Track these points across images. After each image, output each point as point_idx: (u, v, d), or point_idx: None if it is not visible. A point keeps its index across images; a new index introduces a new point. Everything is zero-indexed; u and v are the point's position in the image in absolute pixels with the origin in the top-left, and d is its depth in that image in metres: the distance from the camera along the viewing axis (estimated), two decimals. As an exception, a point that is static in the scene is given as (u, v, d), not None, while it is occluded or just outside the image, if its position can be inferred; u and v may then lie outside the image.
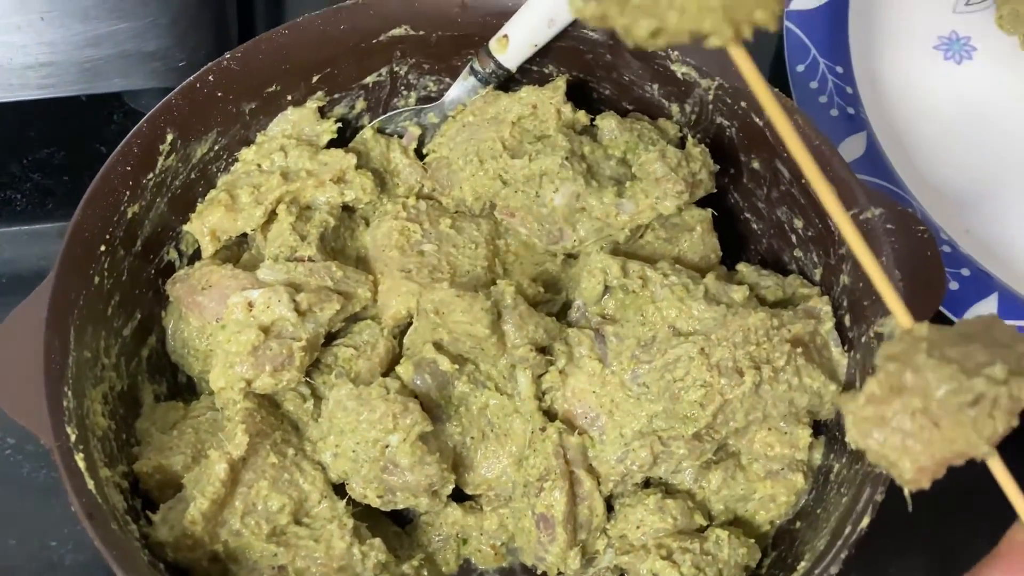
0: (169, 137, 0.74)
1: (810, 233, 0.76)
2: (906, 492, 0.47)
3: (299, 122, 0.79)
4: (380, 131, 0.82)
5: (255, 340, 0.70)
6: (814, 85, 0.91)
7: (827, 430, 0.73)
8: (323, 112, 0.80)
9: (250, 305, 0.71)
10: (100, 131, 0.96)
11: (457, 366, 0.73)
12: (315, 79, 0.79)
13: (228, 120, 0.77)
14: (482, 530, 0.74)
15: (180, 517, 0.67)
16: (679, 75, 0.77)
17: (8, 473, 0.83)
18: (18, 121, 0.96)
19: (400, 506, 0.72)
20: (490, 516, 0.74)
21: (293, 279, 0.73)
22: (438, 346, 0.73)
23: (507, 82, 0.80)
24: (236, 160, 0.79)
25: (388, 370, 0.75)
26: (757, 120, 0.75)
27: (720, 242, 0.79)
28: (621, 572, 0.72)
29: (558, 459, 0.71)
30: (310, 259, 0.74)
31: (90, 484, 0.64)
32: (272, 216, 0.76)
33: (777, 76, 0.94)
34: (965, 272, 0.84)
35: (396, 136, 0.82)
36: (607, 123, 0.78)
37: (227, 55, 0.75)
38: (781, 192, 0.77)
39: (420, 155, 0.82)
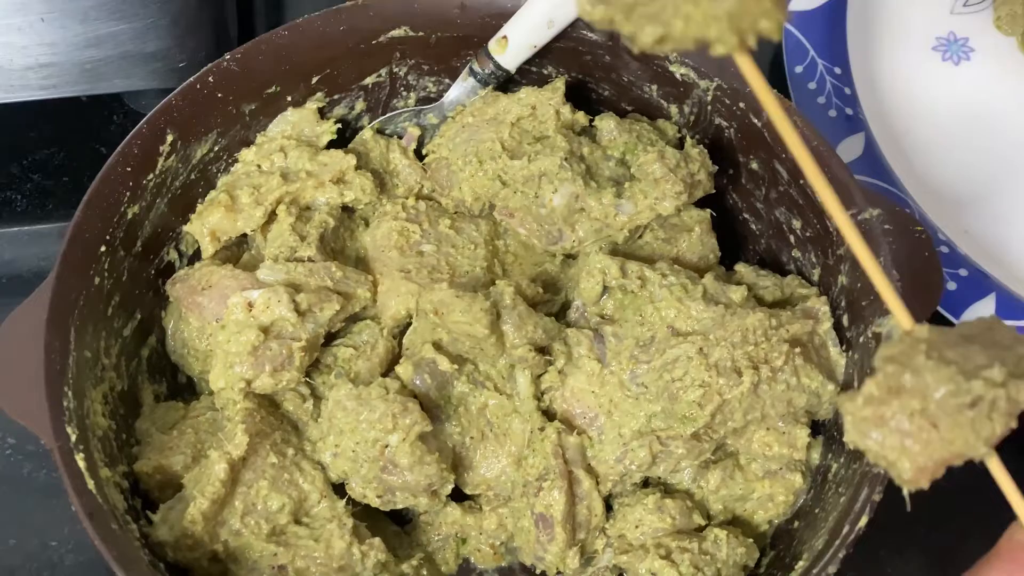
0: (169, 138, 0.74)
1: (808, 233, 0.76)
2: (905, 492, 0.47)
3: (299, 123, 0.80)
4: (380, 132, 0.82)
5: (255, 340, 0.70)
6: (812, 86, 0.92)
7: (825, 430, 0.74)
8: (323, 113, 0.81)
9: (250, 305, 0.71)
10: (100, 132, 0.96)
11: (456, 366, 0.73)
12: (315, 80, 0.79)
13: (228, 121, 0.77)
14: (481, 530, 0.75)
15: (180, 517, 0.67)
16: (678, 76, 0.77)
17: (8, 473, 0.83)
18: (18, 122, 0.96)
19: (399, 506, 0.72)
20: (489, 516, 0.74)
21: (293, 279, 0.73)
22: (437, 346, 0.73)
23: (506, 83, 0.80)
24: (236, 161, 0.79)
25: (388, 370, 0.75)
26: (755, 121, 0.75)
27: (719, 242, 0.79)
28: (620, 572, 0.72)
29: (557, 459, 0.71)
30: (310, 259, 0.75)
31: (90, 484, 0.64)
32: (272, 217, 0.77)
33: (775, 77, 0.94)
34: (963, 272, 0.85)
35: (396, 137, 0.83)
36: (606, 124, 0.78)
37: (227, 56, 0.75)
38: (779, 193, 0.77)
39: (419, 156, 0.82)
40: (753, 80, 0.44)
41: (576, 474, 0.71)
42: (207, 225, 0.76)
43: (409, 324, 0.76)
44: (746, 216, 0.82)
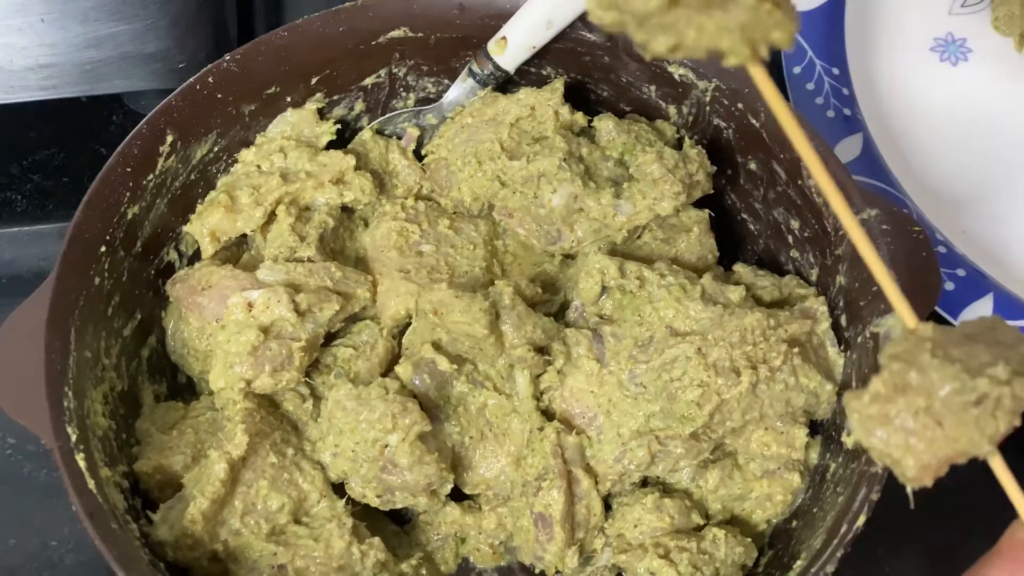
0: (169, 138, 0.74)
1: (807, 234, 0.76)
2: (908, 490, 0.48)
3: (298, 123, 0.80)
4: (379, 132, 0.83)
5: (255, 340, 0.70)
6: (810, 87, 0.92)
7: (823, 430, 0.74)
8: (322, 113, 0.81)
9: (250, 305, 0.71)
10: (100, 132, 0.96)
11: (456, 366, 0.73)
12: (314, 81, 0.79)
13: (228, 121, 0.77)
14: (480, 529, 0.75)
15: (180, 517, 0.67)
16: (676, 77, 0.77)
17: (8, 473, 0.83)
18: (18, 122, 0.96)
19: (399, 505, 0.72)
20: (488, 515, 0.74)
21: (293, 280, 0.73)
22: (437, 346, 0.73)
23: (505, 84, 0.80)
24: (236, 161, 0.79)
25: (387, 370, 0.75)
26: (754, 122, 0.75)
27: (717, 242, 0.79)
28: (619, 571, 0.72)
29: (556, 458, 0.71)
30: (309, 260, 0.75)
31: (91, 484, 0.64)
32: (272, 217, 0.77)
33: (773, 77, 0.94)
34: (960, 272, 0.85)
35: (395, 137, 0.83)
36: (605, 124, 0.78)
37: (227, 57, 0.76)
38: (778, 193, 0.77)
39: (419, 156, 0.82)
40: (765, 89, 0.44)
41: (575, 474, 0.71)
42: (207, 225, 0.76)
43: (408, 324, 0.76)
44: (744, 216, 0.82)
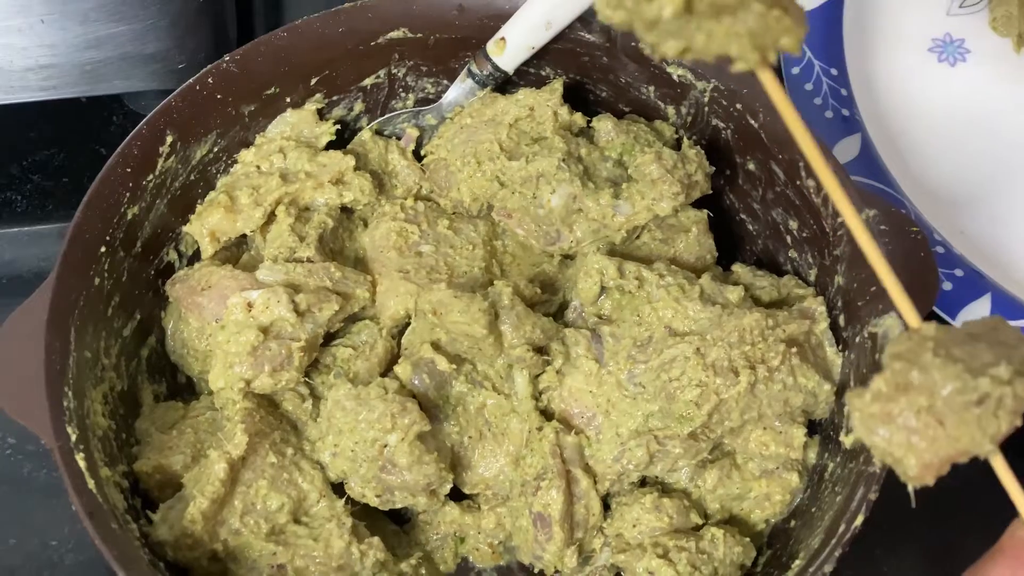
0: (169, 139, 0.74)
1: (805, 234, 0.76)
2: (910, 488, 0.48)
3: (298, 124, 0.80)
4: (378, 133, 0.83)
5: (254, 340, 0.70)
6: (809, 87, 0.92)
7: (821, 429, 0.74)
8: (322, 114, 0.81)
9: (249, 306, 0.72)
10: (100, 133, 0.96)
11: (455, 366, 0.73)
12: (314, 81, 0.79)
13: (227, 122, 0.77)
14: (480, 529, 0.75)
15: (180, 516, 0.67)
16: (675, 77, 0.78)
17: (8, 473, 0.83)
18: (18, 123, 0.96)
19: (398, 505, 0.72)
20: (487, 515, 0.74)
21: (292, 280, 0.73)
22: (436, 346, 0.73)
23: (504, 84, 0.80)
24: (235, 162, 0.79)
25: (386, 370, 0.75)
26: (752, 122, 0.75)
27: (716, 243, 0.79)
28: (617, 571, 0.72)
29: (555, 458, 0.71)
30: (309, 260, 0.75)
31: (90, 484, 0.64)
32: (271, 217, 0.77)
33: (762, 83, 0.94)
34: (958, 273, 0.85)
35: (394, 138, 0.83)
36: (603, 125, 0.79)
37: (226, 57, 0.76)
38: (776, 193, 0.77)
39: (418, 157, 0.82)
40: (774, 93, 0.45)
41: (574, 473, 0.71)
42: (207, 226, 0.76)
43: (408, 324, 0.76)
44: (743, 217, 0.82)
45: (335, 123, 0.81)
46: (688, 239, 0.78)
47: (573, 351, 0.73)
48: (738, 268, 0.78)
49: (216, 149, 0.78)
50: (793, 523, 0.72)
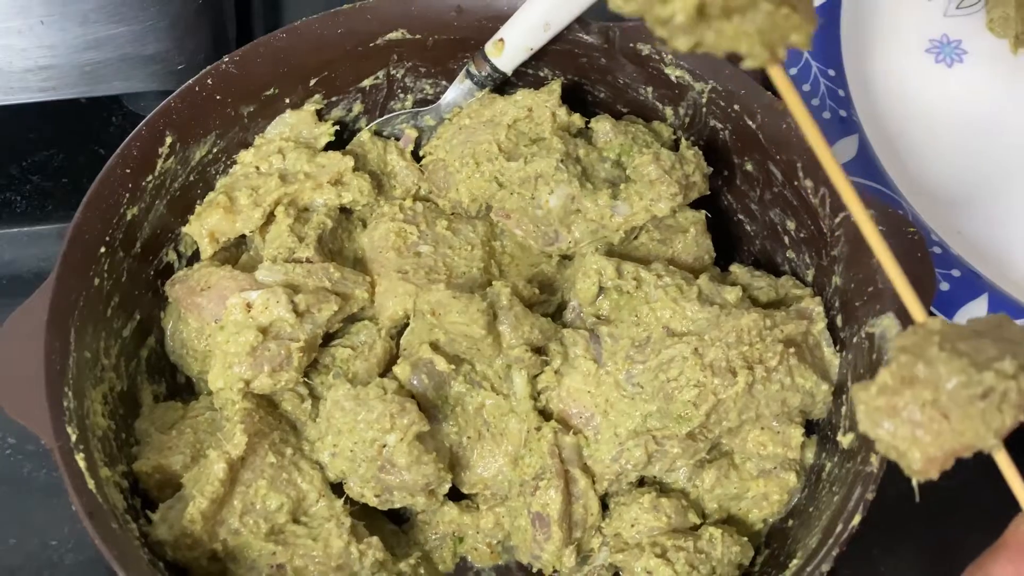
0: (168, 140, 0.74)
1: (802, 234, 0.76)
2: (914, 483, 0.48)
3: (297, 125, 0.80)
4: (377, 133, 0.83)
5: (253, 341, 0.70)
6: (807, 88, 0.92)
7: (819, 429, 0.74)
8: (321, 115, 0.81)
9: (248, 306, 0.72)
10: (99, 134, 0.96)
11: (453, 366, 0.73)
12: (313, 82, 0.79)
13: (227, 123, 0.77)
14: (478, 529, 0.75)
15: (179, 516, 0.68)
16: (673, 78, 0.78)
17: (8, 473, 0.83)
18: (18, 124, 0.96)
19: (397, 505, 0.72)
20: (486, 515, 0.75)
21: (291, 280, 0.73)
22: (435, 346, 0.73)
23: (503, 85, 0.80)
24: (234, 162, 0.79)
25: (385, 370, 0.75)
26: (750, 123, 0.75)
27: (714, 243, 0.80)
28: (616, 570, 0.72)
29: (553, 458, 0.71)
30: (308, 260, 0.75)
31: (90, 484, 0.64)
32: (270, 218, 0.77)
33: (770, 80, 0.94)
34: (956, 273, 0.85)
35: (393, 138, 0.83)
36: (602, 126, 0.79)
37: (225, 58, 0.76)
38: (774, 194, 0.77)
39: (417, 157, 0.82)
40: (783, 88, 0.45)
41: (572, 473, 0.71)
42: (206, 226, 0.76)
43: (407, 325, 0.76)
44: (741, 217, 0.82)
45: (334, 124, 0.81)
46: (686, 239, 0.78)
47: (571, 351, 0.73)
48: (736, 268, 0.79)
49: (215, 150, 0.78)
50: (791, 523, 0.72)
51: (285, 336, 0.71)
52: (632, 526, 0.71)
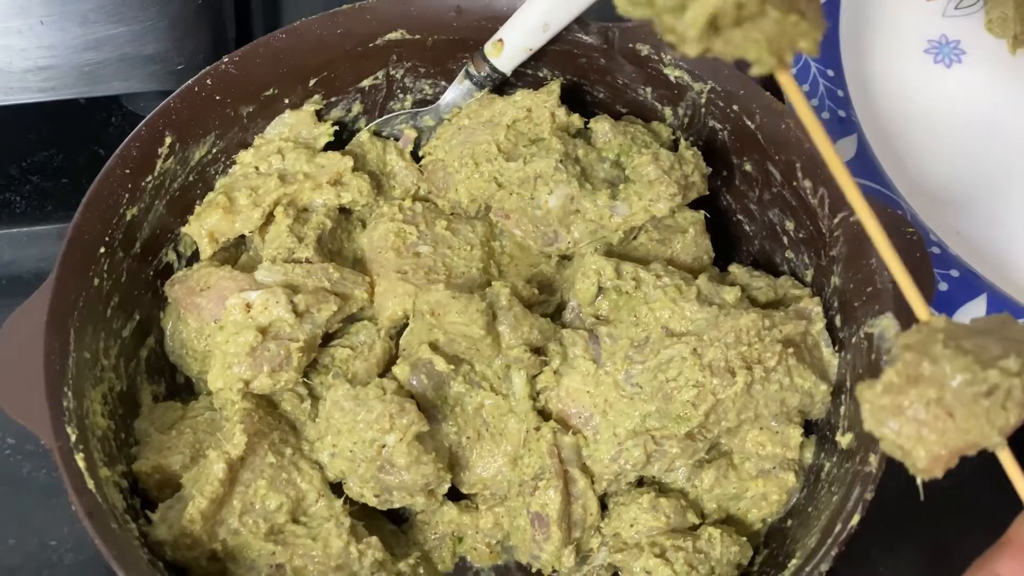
0: (168, 140, 0.75)
1: (801, 235, 0.76)
2: (918, 481, 0.48)
3: (296, 125, 0.80)
4: (376, 134, 0.83)
5: (253, 341, 0.70)
6: (805, 88, 0.92)
7: (818, 429, 0.74)
8: (320, 115, 0.81)
9: (248, 306, 0.72)
10: (99, 134, 0.96)
11: (453, 367, 0.73)
12: (312, 82, 0.79)
13: (226, 123, 0.77)
14: (477, 528, 0.75)
15: (179, 516, 0.68)
16: (672, 79, 0.78)
17: (8, 473, 0.83)
18: (17, 124, 0.96)
19: (396, 505, 0.72)
20: (485, 515, 0.75)
21: (291, 280, 0.73)
22: (434, 347, 0.73)
23: (502, 85, 0.80)
24: (234, 163, 0.79)
25: (385, 371, 0.75)
26: (749, 123, 0.76)
27: (713, 243, 0.80)
28: (615, 570, 0.72)
29: (552, 458, 0.71)
30: (307, 261, 0.75)
31: (90, 484, 0.64)
32: (270, 218, 0.77)
33: (770, 80, 0.94)
34: (954, 273, 0.85)
35: (392, 139, 0.83)
36: (601, 126, 0.79)
37: (225, 59, 0.76)
38: (773, 194, 0.77)
39: (416, 158, 0.83)
40: (791, 93, 0.45)
41: (571, 473, 0.72)
42: (205, 226, 0.76)
43: (406, 325, 0.76)
44: (740, 217, 0.82)
45: (333, 124, 0.81)
46: (685, 240, 0.78)
47: (571, 351, 0.73)
48: (735, 269, 0.79)
49: (215, 150, 0.78)
50: (790, 523, 0.72)
51: (284, 336, 0.71)
52: (631, 526, 0.71)
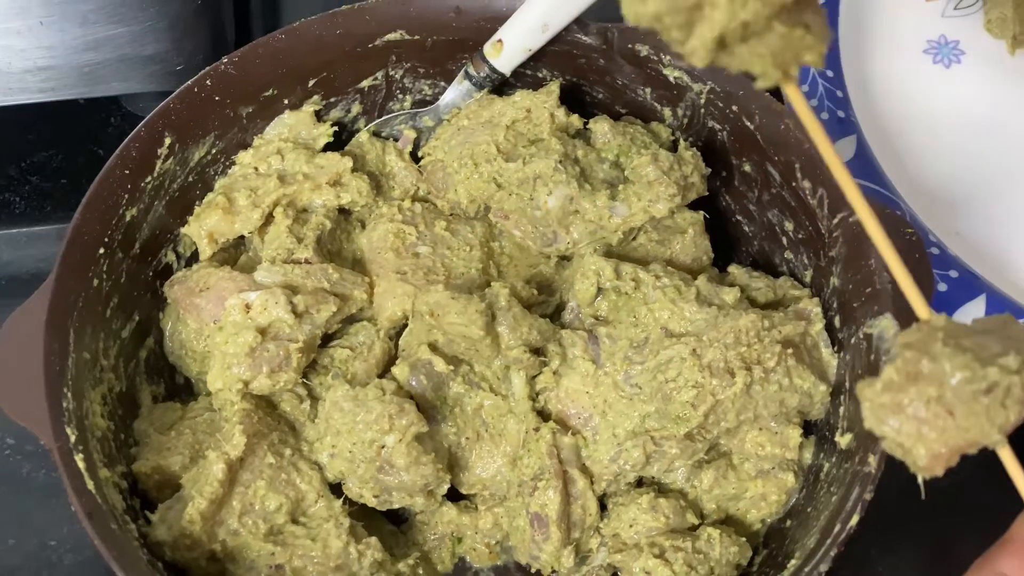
0: (167, 141, 0.75)
1: (800, 235, 0.76)
2: (919, 479, 0.48)
3: (296, 125, 0.80)
4: (376, 134, 0.83)
5: (252, 342, 0.70)
6: (804, 89, 0.92)
7: (817, 430, 0.74)
8: (319, 116, 0.81)
9: (247, 307, 0.72)
10: (98, 135, 0.96)
11: (452, 367, 0.73)
12: (311, 83, 0.79)
13: (225, 124, 0.77)
14: (477, 529, 0.75)
15: (178, 517, 0.68)
16: (671, 79, 0.78)
17: (8, 473, 0.83)
18: (17, 125, 0.96)
19: (396, 505, 0.72)
20: (485, 515, 0.75)
21: (290, 281, 0.73)
22: (433, 347, 0.73)
23: (501, 86, 0.80)
24: (233, 163, 0.79)
25: (384, 371, 0.75)
26: (748, 124, 0.76)
27: (712, 244, 0.80)
28: (614, 571, 0.72)
29: (552, 459, 0.71)
30: (307, 261, 0.75)
31: (89, 484, 0.64)
32: (269, 219, 0.77)
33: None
34: (953, 274, 0.85)
35: (392, 139, 0.83)
36: (600, 127, 0.79)
37: (224, 59, 0.76)
38: (772, 195, 0.78)
39: (415, 158, 0.83)
40: (798, 104, 0.45)
41: (571, 474, 0.72)
42: (205, 227, 0.76)
43: (405, 325, 0.76)
44: (739, 218, 0.82)
45: (333, 125, 0.81)
46: (684, 240, 0.78)
47: (570, 352, 0.73)
48: (734, 269, 0.79)
49: (214, 151, 0.78)
50: (789, 523, 0.72)
51: (284, 337, 0.71)
52: (630, 526, 0.71)
